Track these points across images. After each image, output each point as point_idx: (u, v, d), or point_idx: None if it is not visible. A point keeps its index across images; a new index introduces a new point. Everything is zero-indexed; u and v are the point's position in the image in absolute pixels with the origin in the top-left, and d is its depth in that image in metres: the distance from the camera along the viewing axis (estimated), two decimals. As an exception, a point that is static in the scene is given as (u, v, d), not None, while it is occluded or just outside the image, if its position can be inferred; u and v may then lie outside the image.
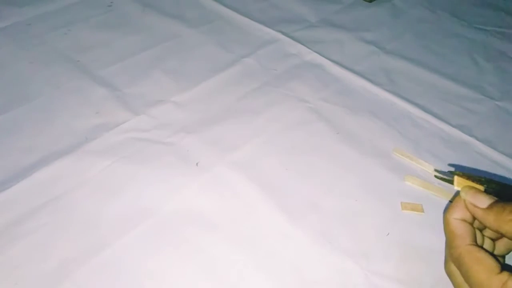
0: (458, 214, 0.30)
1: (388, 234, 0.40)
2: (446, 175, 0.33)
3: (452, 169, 0.46)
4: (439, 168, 0.46)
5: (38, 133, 0.46)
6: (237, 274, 0.36)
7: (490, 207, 0.29)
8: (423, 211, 0.42)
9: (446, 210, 0.31)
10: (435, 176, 0.35)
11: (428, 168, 0.46)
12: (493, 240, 0.32)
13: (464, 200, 0.30)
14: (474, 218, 0.30)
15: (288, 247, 0.39)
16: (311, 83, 0.56)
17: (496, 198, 0.30)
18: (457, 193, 0.32)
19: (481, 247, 0.29)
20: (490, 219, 0.28)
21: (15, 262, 0.35)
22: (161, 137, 0.47)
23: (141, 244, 0.37)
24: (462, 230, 0.29)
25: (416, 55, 0.62)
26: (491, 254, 0.29)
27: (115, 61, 0.55)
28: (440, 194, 0.44)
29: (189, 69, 0.55)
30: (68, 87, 0.51)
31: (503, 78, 0.60)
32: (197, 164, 0.44)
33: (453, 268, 0.30)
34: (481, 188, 0.31)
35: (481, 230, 0.31)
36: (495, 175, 0.47)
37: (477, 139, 0.50)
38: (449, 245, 0.30)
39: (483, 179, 0.32)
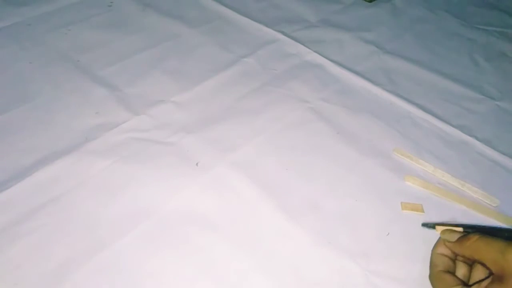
0: (439, 250, 0.38)
1: (388, 234, 0.40)
2: (432, 226, 0.40)
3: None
4: (439, 168, 0.46)
5: (38, 133, 0.45)
6: (237, 274, 0.36)
7: (458, 239, 0.37)
8: (423, 211, 0.42)
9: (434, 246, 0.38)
10: (422, 225, 0.41)
11: (428, 168, 0.46)
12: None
13: (443, 240, 0.38)
14: (454, 253, 0.37)
15: (288, 247, 0.39)
16: (311, 83, 0.56)
17: (464, 233, 0.37)
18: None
19: (451, 272, 0.36)
20: (457, 248, 0.36)
21: (15, 262, 0.35)
22: (161, 137, 0.47)
23: (141, 244, 0.37)
24: (437, 261, 0.37)
25: (416, 55, 0.62)
26: (457, 277, 0.36)
27: (115, 61, 0.55)
28: (440, 194, 0.44)
29: (189, 69, 0.55)
30: (68, 87, 0.51)
31: (503, 78, 0.60)
32: (197, 164, 0.44)
33: None
34: (460, 229, 0.38)
35: (471, 265, 0.37)
36: (495, 174, 0.47)
37: (477, 139, 0.50)
38: (430, 272, 0.37)
39: (463, 226, 0.39)
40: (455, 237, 0.37)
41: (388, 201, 0.43)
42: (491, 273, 0.34)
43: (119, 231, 0.38)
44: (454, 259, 0.37)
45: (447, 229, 0.39)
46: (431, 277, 0.36)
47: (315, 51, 0.60)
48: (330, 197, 0.43)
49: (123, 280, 0.35)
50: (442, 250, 0.38)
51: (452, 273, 0.36)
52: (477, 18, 0.71)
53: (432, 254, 0.38)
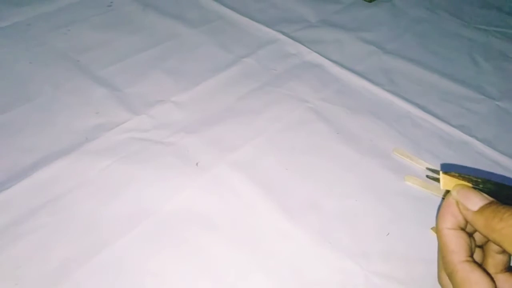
0: (450, 222, 0.28)
1: (388, 234, 0.40)
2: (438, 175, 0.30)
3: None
4: (438, 169, 0.46)
5: (38, 133, 0.46)
6: (237, 274, 0.36)
7: (481, 210, 0.26)
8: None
9: (438, 216, 0.29)
10: (427, 176, 0.33)
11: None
12: None
13: (457, 201, 0.28)
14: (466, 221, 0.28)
15: (288, 247, 0.39)
16: (311, 83, 0.56)
17: (491, 199, 0.27)
18: (446, 193, 0.29)
19: (477, 263, 0.27)
20: (479, 224, 0.26)
21: (16, 262, 0.35)
22: (161, 137, 0.47)
23: (141, 244, 0.37)
24: (456, 245, 0.27)
25: (416, 55, 0.62)
26: (486, 272, 0.26)
27: (115, 61, 0.55)
28: (441, 194, 0.44)
29: (189, 69, 0.55)
30: (68, 87, 0.51)
31: (503, 78, 0.60)
32: (197, 164, 0.44)
33: (447, 281, 0.28)
34: (469, 185, 0.28)
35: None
36: (495, 175, 0.47)
37: (477, 139, 0.50)
38: (442, 259, 0.28)
39: (479, 180, 0.29)
40: (475, 202, 0.27)
41: (388, 201, 0.43)
42: None
43: (119, 231, 0.38)
44: (468, 231, 0.27)
45: (462, 185, 0.28)
46: (451, 269, 0.26)
47: (315, 51, 0.60)
48: (330, 197, 0.43)
49: (123, 279, 0.35)
50: (454, 221, 0.27)
51: (479, 265, 0.26)
52: (477, 18, 0.71)
53: (440, 231, 0.27)
